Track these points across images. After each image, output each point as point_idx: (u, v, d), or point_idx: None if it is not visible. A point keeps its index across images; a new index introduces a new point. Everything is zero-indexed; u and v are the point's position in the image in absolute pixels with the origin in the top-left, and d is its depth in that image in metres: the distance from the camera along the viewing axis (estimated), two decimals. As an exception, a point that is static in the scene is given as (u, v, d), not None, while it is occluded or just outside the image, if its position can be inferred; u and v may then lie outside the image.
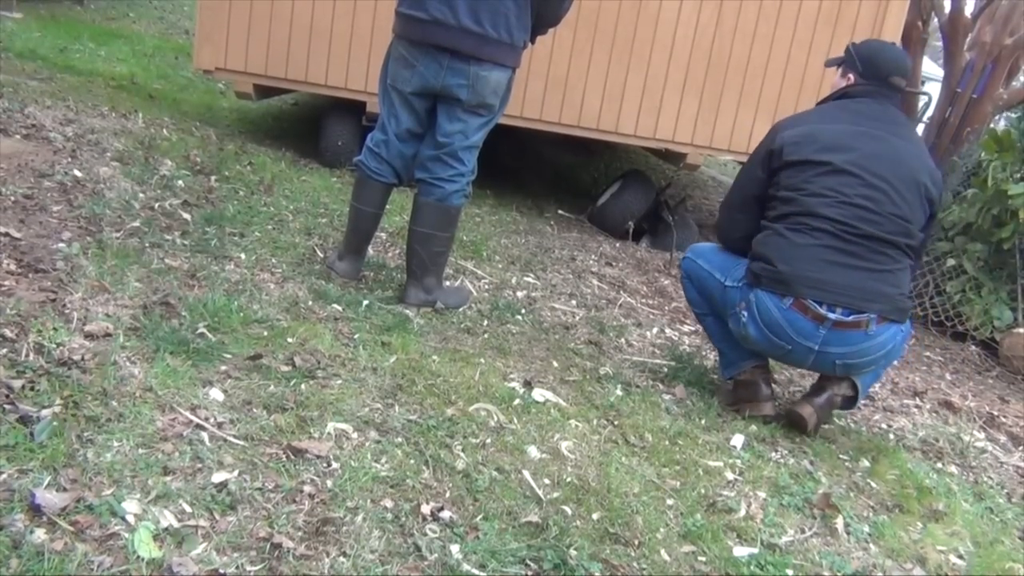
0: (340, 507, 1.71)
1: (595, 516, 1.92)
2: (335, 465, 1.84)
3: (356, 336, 2.54)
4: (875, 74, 2.64)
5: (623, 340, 3.21)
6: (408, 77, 2.77)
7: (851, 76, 2.70)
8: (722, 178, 8.43)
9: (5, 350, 1.87)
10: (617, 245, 4.76)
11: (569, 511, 1.92)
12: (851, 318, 2.48)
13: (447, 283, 3.16)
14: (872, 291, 2.49)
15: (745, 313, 2.61)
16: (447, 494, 1.86)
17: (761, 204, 2.66)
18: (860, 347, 2.53)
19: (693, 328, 3.52)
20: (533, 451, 2.14)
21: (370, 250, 3.40)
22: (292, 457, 1.83)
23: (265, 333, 2.39)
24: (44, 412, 1.70)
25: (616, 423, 2.45)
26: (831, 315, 2.47)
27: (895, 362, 3.66)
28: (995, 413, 3.38)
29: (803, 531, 2.12)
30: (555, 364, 2.79)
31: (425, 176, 2.88)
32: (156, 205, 3.14)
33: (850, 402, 2.73)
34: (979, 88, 5.53)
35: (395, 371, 2.37)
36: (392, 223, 3.86)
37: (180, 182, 3.49)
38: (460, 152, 2.84)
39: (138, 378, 1.93)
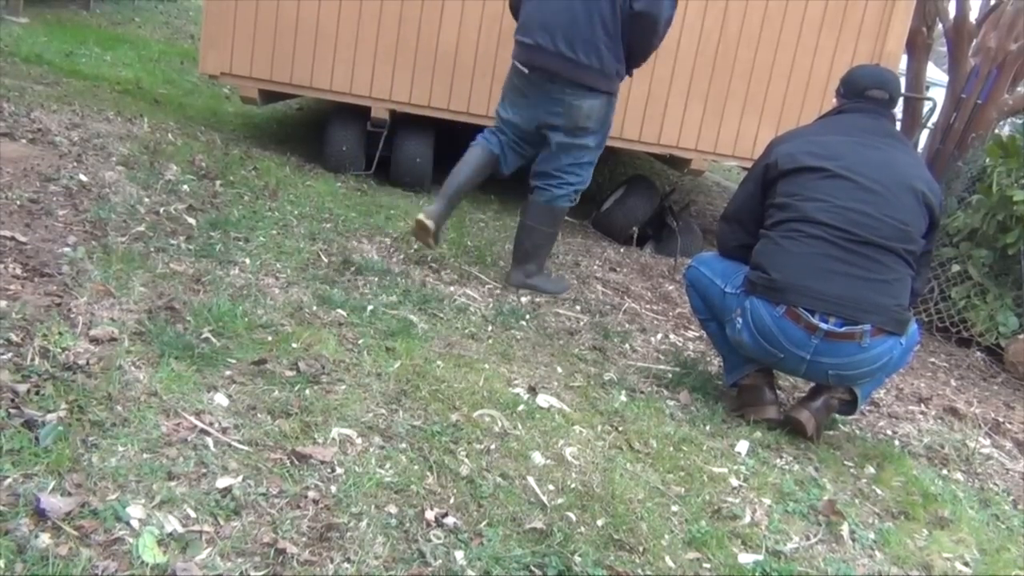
0: (344, 513, 1.71)
1: (599, 522, 1.92)
2: (339, 471, 1.84)
3: (360, 341, 2.54)
4: (854, 91, 2.77)
5: (627, 346, 3.21)
6: (517, 102, 3.33)
7: (838, 100, 2.85)
8: (726, 183, 8.43)
9: (11, 354, 1.87)
10: (621, 250, 4.76)
11: (573, 517, 1.91)
12: (844, 329, 2.47)
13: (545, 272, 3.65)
14: (867, 302, 2.47)
15: (740, 320, 2.63)
16: (451, 500, 1.86)
17: (756, 218, 2.72)
18: (853, 359, 2.52)
19: (697, 334, 3.52)
20: (537, 457, 2.13)
21: (374, 255, 3.41)
22: (296, 462, 1.83)
23: (270, 338, 2.40)
24: (49, 416, 1.70)
25: (620, 429, 2.45)
26: (823, 325, 2.47)
27: (900, 370, 3.65)
28: (1000, 419, 3.36)
29: (808, 538, 2.11)
30: (559, 370, 2.79)
31: (538, 183, 3.45)
32: (161, 210, 3.15)
33: (849, 406, 2.73)
34: (984, 94, 5.52)
35: (399, 376, 2.37)
36: (397, 228, 3.87)
37: (185, 187, 3.50)
38: (567, 169, 3.38)
39: (143, 383, 1.94)
